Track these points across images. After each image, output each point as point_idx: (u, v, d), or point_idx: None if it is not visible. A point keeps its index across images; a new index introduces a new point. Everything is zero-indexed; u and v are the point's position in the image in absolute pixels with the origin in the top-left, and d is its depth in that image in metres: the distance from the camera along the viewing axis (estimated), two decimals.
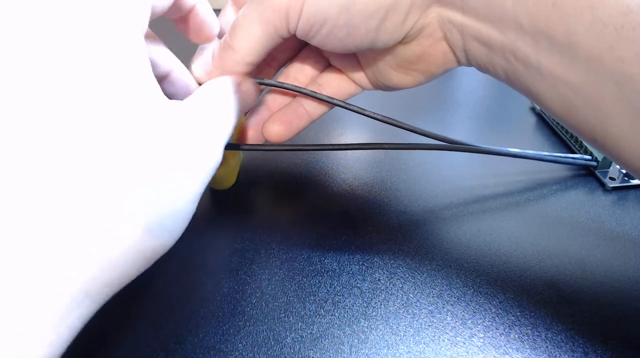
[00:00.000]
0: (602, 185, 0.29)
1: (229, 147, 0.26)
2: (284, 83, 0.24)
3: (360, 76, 0.26)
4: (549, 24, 0.17)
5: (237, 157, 0.29)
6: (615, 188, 0.29)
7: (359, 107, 0.24)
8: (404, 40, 0.22)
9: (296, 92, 0.25)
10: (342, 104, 0.24)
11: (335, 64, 0.26)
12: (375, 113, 0.24)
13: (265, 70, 0.27)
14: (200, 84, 0.23)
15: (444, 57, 0.22)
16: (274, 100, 0.27)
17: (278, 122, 0.25)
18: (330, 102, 0.25)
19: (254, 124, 0.26)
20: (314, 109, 0.26)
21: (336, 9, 0.20)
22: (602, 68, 0.17)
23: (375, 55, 0.24)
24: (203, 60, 0.23)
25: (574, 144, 0.32)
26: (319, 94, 0.24)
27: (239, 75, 0.22)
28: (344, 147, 0.26)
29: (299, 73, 0.27)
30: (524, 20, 0.18)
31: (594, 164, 0.30)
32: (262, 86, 0.24)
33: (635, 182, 0.29)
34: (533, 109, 0.37)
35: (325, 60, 0.27)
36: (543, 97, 0.19)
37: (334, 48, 0.22)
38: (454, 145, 0.26)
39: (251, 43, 0.21)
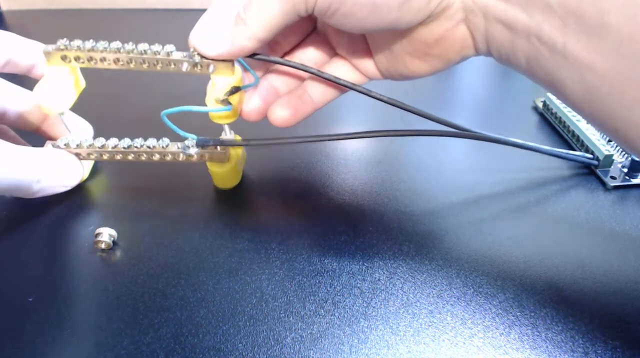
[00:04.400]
0: (603, 184, 0.29)
1: (232, 144, 0.26)
2: (288, 60, 0.24)
3: (368, 64, 0.25)
4: (580, 3, 0.17)
5: (240, 157, 0.29)
6: (616, 188, 0.29)
7: (365, 89, 0.24)
8: (425, 21, 0.21)
9: (300, 69, 0.24)
10: (348, 84, 0.24)
11: (342, 53, 0.26)
12: (381, 95, 0.24)
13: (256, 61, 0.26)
14: (200, 55, 0.23)
15: (463, 42, 0.22)
16: (279, 81, 0.26)
17: (284, 107, 0.25)
18: (335, 82, 0.24)
19: (257, 100, 0.25)
20: (319, 95, 0.26)
21: None
22: (633, 50, 0.16)
23: (390, 39, 0.23)
24: (203, 32, 0.22)
25: (575, 142, 0.32)
26: (325, 73, 0.24)
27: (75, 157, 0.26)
28: (343, 136, 0.26)
29: (303, 62, 0.26)
30: (553, 0, 0.18)
31: (595, 162, 0.30)
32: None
33: (636, 181, 0.29)
34: (535, 109, 0.37)
35: (331, 49, 0.26)
36: (564, 84, 0.19)
37: (352, 28, 0.21)
38: (458, 131, 0.26)
39: (266, 19, 0.20)
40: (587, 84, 0.18)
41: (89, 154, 0.27)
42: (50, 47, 0.24)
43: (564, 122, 0.33)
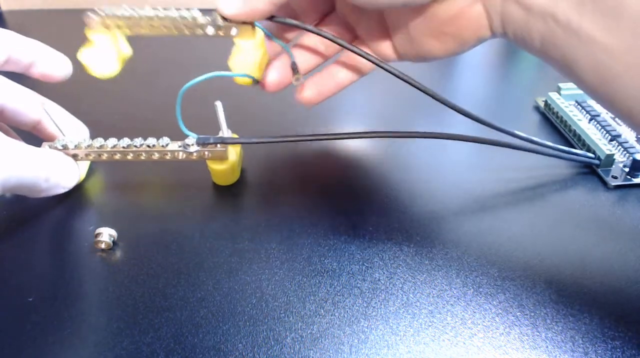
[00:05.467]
0: (604, 183, 0.29)
1: (232, 142, 0.26)
2: (306, 25, 0.25)
3: (385, 46, 0.26)
4: None
5: (238, 153, 0.29)
6: (617, 187, 0.29)
7: (390, 66, 0.24)
8: None
9: (317, 34, 0.25)
10: (365, 55, 0.24)
11: (361, 33, 0.27)
12: (405, 75, 0.24)
13: (284, 35, 0.27)
14: (222, 18, 0.24)
15: (478, 21, 0.22)
16: (299, 56, 0.27)
17: (309, 88, 0.28)
18: (352, 50, 0.25)
19: (275, 73, 0.27)
20: (343, 76, 0.28)
21: None
22: None
23: (407, 17, 0.24)
24: None
25: (576, 142, 0.32)
26: (343, 41, 0.24)
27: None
28: (342, 136, 0.27)
29: (320, 44, 0.27)
30: None
31: (597, 162, 0.30)
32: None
33: (637, 180, 0.29)
34: (537, 108, 0.37)
35: (349, 31, 0.27)
36: (578, 65, 0.19)
37: (367, 3, 0.22)
38: (458, 135, 0.26)
39: None
40: (602, 64, 0.18)
41: (87, 155, 0.27)
42: (93, 15, 0.26)
43: (566, 121, 0.33)
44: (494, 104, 0.38)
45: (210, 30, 0.25)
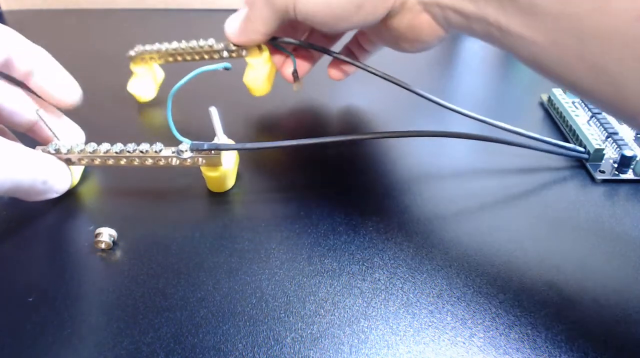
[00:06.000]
0: (592, 178, 0.29)
1: (227, 148, 0.26)
2: (303, 41, 0.31)
3: (366, 47, 0.33)
4: None
5: (235, 161, 0.29)
6: (605, 181, 0.29)
7: (368, 66, 0.29)
8: (388, 15, 0.25)
9: (315, 49, 0.32)
10: (351, 61, 0.31)
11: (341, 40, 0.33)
12: (389, 75, 0.29)
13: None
14: (231, 42, 0.31)
15: (430, 26, 0.25)
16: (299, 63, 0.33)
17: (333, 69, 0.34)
18: (339, 59, 0.31)
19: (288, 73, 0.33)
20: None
21: (320, 7, 0.24)
22: (567, 25, 0.18)
23: (370, 32, 0.29)
24: (230, 25, 0.30)
25: (571, 137, 0.32)
26: (334, 52, 0.31)
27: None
28: (339, 139, 0.27)
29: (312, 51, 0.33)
30: None
31: (585, 156, 0.30)
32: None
33: (624, 176, 0.29)
34: (542, 104, 0.37)
35: (334, 38, 0.33)
36: (521, 58, 0.21)
37: (330, 30, 0.26)
38: (449, 132, 0.28)
39: (263, 19, 0.28)
40: (537, 57, 0.20)
41: (80, 159, 0.26)
42: (132, 52, 0.34)
43: (564, 117, 0.33)
44: (499, 100, 0.38)
45: (225, 54, 0.32)
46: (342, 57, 0.30)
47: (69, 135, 0.28)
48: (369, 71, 0.29)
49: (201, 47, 0.32)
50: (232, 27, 0.30)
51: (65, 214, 0.27)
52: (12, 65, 0.25)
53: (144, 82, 0.36)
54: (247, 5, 0.28)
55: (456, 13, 0.22)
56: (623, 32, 0.17)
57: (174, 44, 0.33)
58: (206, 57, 0.32)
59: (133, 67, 0.35)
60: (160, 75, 0.37)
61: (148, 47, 0.34)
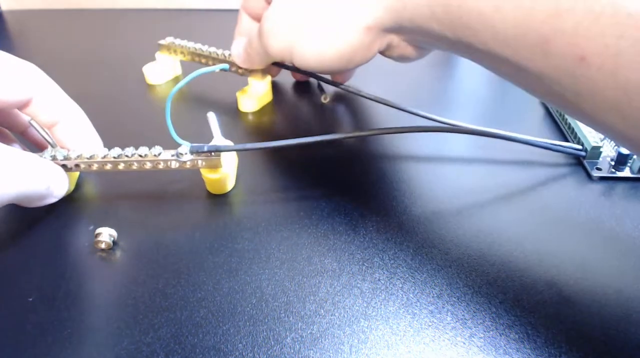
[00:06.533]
0: (589, 175, 0.29)
1: (226, 149, 0.26)
2: (299, 69, 0.31)
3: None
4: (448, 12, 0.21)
5: (234, 164, 0.29)
6: (602, 179, 0.29)
7: (360, 91, 0.31)
8: (377, 54, 0.28)
9: (311, 76, 0.36)
10: (356, 91, 0.32)
11: None
12: (374, 95, 0.30)
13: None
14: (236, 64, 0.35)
15: (416, 50, 0.27)
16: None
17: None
18: (334, 84, 0.34)
19: None
20: None
21: (314, 63, 0.27)
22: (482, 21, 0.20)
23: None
24: (237, 48, 0.34)
25: (570, 135, 0.32)
26: (331, 80, 0.34)
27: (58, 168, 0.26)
28: (338, 137, 0.27)
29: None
30: (436, 25, 0.22)
31: (582, 153, 0.30)
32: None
33: (621, 174, 0.29)
34: (542, 103, 0.37)
35: None
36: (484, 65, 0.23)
37: (326, 74, 0.30)
38: (447, 126, 0.28)
39: (261, 60, 0.32)
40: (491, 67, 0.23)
41: (76, 165, 0.26)
42: (162, 41, 0.39)
43: (563, 114, 0.33)
44: (501, 98, 0.38)
45: (233, 68, 0.36)
46: (348, 87, 0.32)
47: (87, 144, 0.27)
48: (362, 96, 0.32)
49: (225, 55, 0.36)
50: (237, 51, 0.33)
51: (65, 214, 0.27)
52: (36, 111, 0.25)
53: (161, 68, 0.40)
54: (246, 39, 0.31)
55: (429, 40, 0.24)
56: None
57: (199, 46, 0.37)
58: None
59: (158, 53, 0.40)
60: (177, 71, 0.41)
61: (177, 42, 0.38)
